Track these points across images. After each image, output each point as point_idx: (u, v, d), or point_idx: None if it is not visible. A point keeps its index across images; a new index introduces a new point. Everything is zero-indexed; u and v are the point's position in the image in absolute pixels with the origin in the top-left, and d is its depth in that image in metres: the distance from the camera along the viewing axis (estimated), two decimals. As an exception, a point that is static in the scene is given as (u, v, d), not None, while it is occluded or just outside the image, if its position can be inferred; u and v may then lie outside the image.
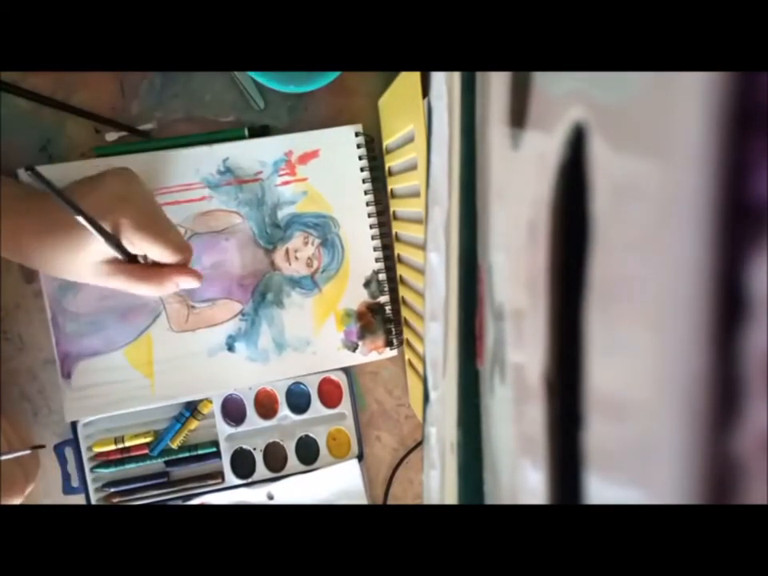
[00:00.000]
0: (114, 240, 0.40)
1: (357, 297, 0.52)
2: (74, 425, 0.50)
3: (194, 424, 0.51)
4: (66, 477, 0.51)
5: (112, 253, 0.41)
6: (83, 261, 0.41)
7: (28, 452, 0.45)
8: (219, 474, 0.52)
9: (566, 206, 0.17)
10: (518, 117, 0.20)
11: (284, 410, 0.53)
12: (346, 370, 0.53)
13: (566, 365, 0.16)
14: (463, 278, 0.27)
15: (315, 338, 0.52)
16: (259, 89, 0.50)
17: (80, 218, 0.37)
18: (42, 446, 0.48)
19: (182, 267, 0.44)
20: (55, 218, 0.40)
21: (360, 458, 0.53)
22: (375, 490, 0.55)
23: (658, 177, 0.12)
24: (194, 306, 0.50)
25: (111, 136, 0.49)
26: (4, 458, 0.42)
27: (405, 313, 0.52)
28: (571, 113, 0.16)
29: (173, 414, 0.51)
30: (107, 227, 0.40)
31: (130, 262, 0.43)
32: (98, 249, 0.40)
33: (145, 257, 0.43)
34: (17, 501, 0.44)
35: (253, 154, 0.49)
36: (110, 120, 0.48)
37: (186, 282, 0.44)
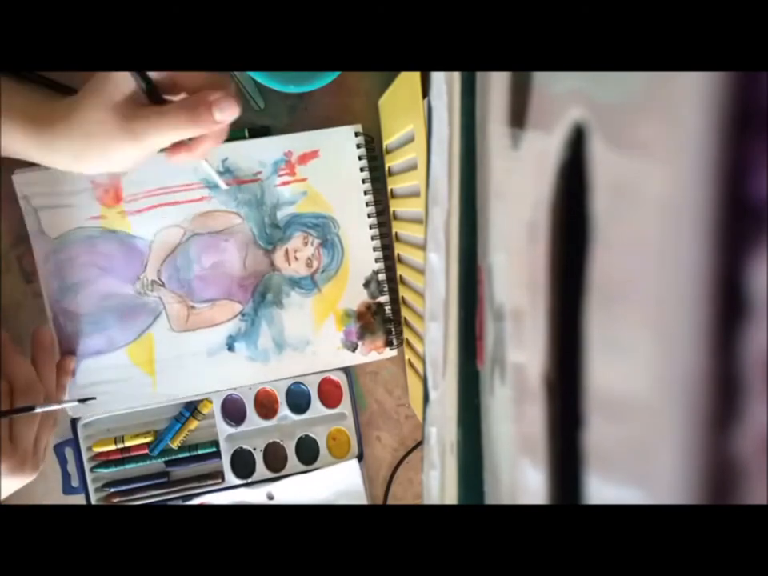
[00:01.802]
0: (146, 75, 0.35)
1: (356, 297, 0.52)
2: (73, 425, 0.50)
3: (193, 424, 0.51)
4: (66, 477, 0.51)
5: (132, 88, 0.36)
6: (105, 107, 0.35)
7: (75, 403, 0.45)
8: (219, 474, 0.52)
9: (566, 205, 0.17)
10: (518, 117, 0.20)
11: (284, 410, 0.53)
12: (346, 370, 0.53)
13: (566, 365, 0.16)
14: (463, 278, 0.27)
15: (315, 337, 0.52)
16: (259, 89, 0.50)
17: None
18: (93, 398, 0.47)
19: (218, 89, 0.36)
20: (73, 98, 0.37)
21: (360, 458, 0.53)
22: (375, 490, 0.55)
23: (657, 177, 0.12)
24: (194, 306, 0.50)
25: None
26: (42, 409, 0.42)
27: (405, 313, 0.52)
28: (571, 113, 0.16)
29: (173, 413, 0.51)
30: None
31: (153, 102, 0.37)
32: (116, 82, 0.35)
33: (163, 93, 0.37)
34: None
35: (252, 154, 0.49)
36: None
37: (224, 106, 0.36)
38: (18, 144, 0.37)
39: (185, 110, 0.35)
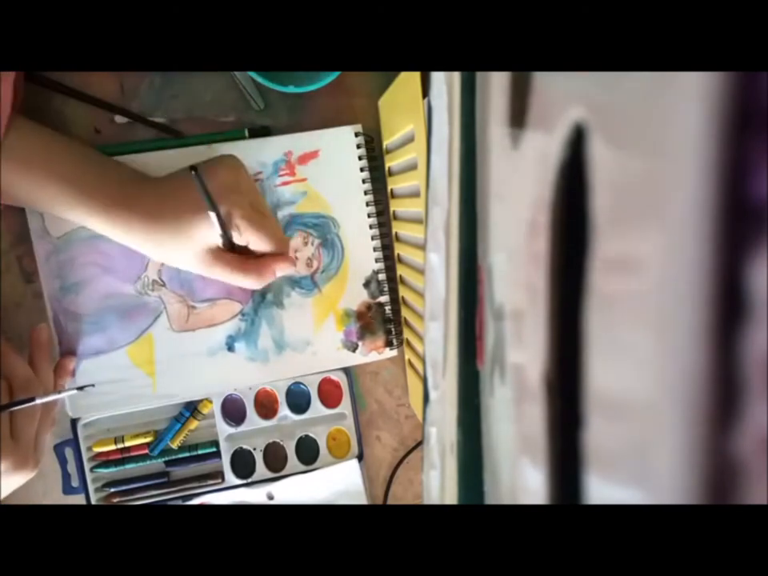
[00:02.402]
0: (225, 230, 0.41)
1: (357, 297, 0.52)
2: (73, 425, 0.50)
3: (193, 424, 0.51)
4: (65, 477, 0.51)
5: (215, 242, 0.42)
6: (189, 249, 0.42)
7: (74, 392, 0.46)
8: (219, 474, 0.52)
9: (566, 205, 0.17)
10: (518, 117, 0.20)
11: (284, 410, 0.53)
12: (346, 370, 0.53)
13: (566, 365, 0.16)
14: (463, 278, 0.27)
15: (315, 338, 0.52)
16: (259, 89, 0.50)
17: (211, 213, 0.39)
18: (92, 385, 0.48)
19: (281, 256, 0.45)
20: (165, 204, 0.42)
21: (360, 458, 0.53)
22: (375, 489, 0.55)
23: (658, 177, 0.12)
24: (195, 305, 0.50)
25: (120, 119, 0.49)
26: (43, 400, 0.42)
27: (405, 313, 0.52)
28: (571, 113, 0.16)
29: (173, 413, 0.51)
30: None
31: (231, 252, 0.44)
32: (202, 237, 0.42)
33: (244, 248, 0.44)
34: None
35: (252, 154, 0.49)
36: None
37: (284, 269, 0.45)
38: (89, 220, 0.43)
39: (254, 270, 0.44)
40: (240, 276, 0.44)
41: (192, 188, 0.41)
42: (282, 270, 0.45)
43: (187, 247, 0.42)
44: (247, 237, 0.43)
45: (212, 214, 0.39)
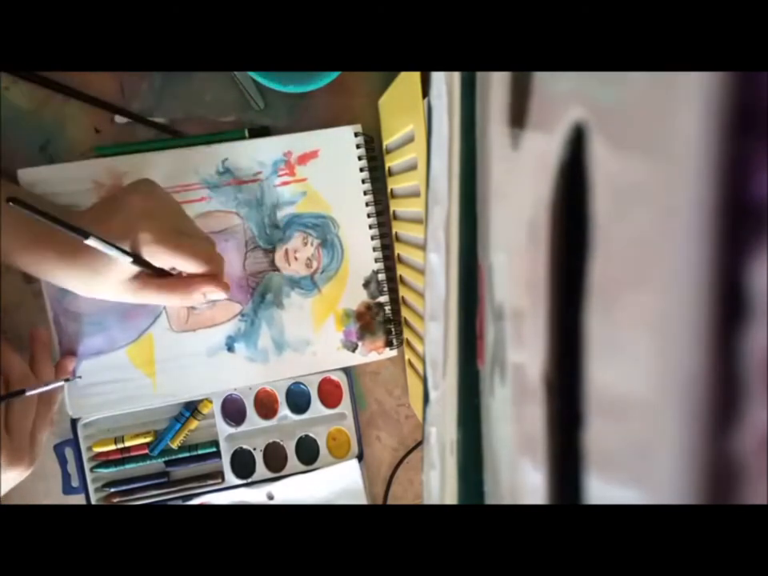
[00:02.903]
0: (134, 257, 0.40)
1: (356, 297, 0.52)
2: (73, 425, 0.50)
3: (193, 424, 0.51)
4: (66, 477, 0.51)
5: (136, 269, 0.41)
6: (110, 280, 0.41)
7: (61, 383, 0.46)
8: (219, 474, 0.52)
9: (566, 206, 0.17)
10: (518, 117, 0.20)
11: (284, 410, 0.53)
12: (346, 370, 0.53)
13: (566, 365, 0.16)
14: (463, 278, 0.27)
15: (315, 338, 0.52)
16: (259, 89, 0.50)
17: (91, 242, 0.37)
18: (79, 377, 0.48)
19: (209, 278, 0.44)
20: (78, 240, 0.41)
21: (360, 457, 0.53)
22: (375, 489, 0.55)
23: (658, 177, 0.12)
24: (194, 306, 0.50)
25: (120, 119, 0.49)
26: (33, 392, 0.43)
27: (405, 313, 0.52)
28: (571, 113, 0.16)
29: (173, 413, 0.51)
30: (128, 245, 0.40)
31: (158, 276, 0.43)
32: (123, 267, 0.41)
33: (174, 268, 0.43)
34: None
35: (252, 154, 0.49)
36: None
37: (213, 293, 0.44)
38: (42, 267, 0.42)
39: (182, 292, 0.43)
40: (167, 297, 0.43)
41: (108, 219, 0.40)
42: (210, 292, 0.44)
43: (109, 279, 0.41)
44: (166, 261, 0.42)
45: (91, 241, 0.37)
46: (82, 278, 0.41)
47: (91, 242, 0.37)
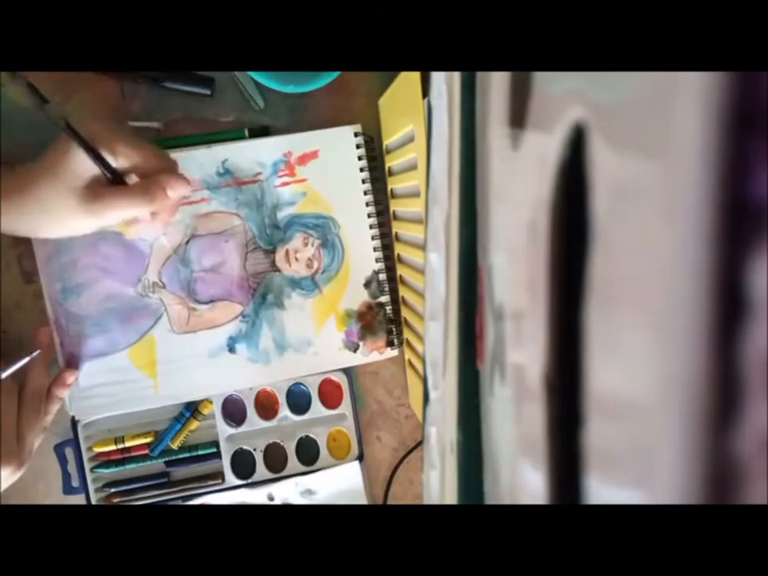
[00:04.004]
0: (95, 151, 0.39)
1: (357, 297, 0.52)
2: (74, 425, 0.50)
3: (194, 424, 0.51)
4: (66, 477, 0.51)
5: (93, 173, 0.40)
6: (61, 203, 0.39)
7: (36, 354, 0.45)
8: (219, 475, 0.52)
9: (566, 206, 0.17)
10: (518, 117, 0.20)
11: (284, 411, 0.53)
12: (346, 371, 0.53)
13: (566, 365, 0.16)
14: (463, 278, 0.27)
15: (316, 338, 0.52)
16: (259, 89, 0.50)
17: (65, 128, 0.37)
18: (37, 351, 0.47)
19: (166, 171, 0.41)
20: (35, 166, 0.40)
21: (360, 458, 0.53)
22: (375, 490, 0.55)
23: (658, 177, 0.12)
24: (195, 307, 0.50)
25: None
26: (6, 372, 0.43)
27: (405, 313, 0.52)
28: (571, 113, 0.16)
29: (173, 414, 0.51)
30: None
31: (113, 183, 0.41)
32: (77, 173, 0.39)
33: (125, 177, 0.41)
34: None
35: (252, 155, 0.49)
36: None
37: (175, 185, 0.41)
38: None
39: (141, 191, 0.40)
40: (126, 201, 0.40)
41: (57, 143, 0.39)
42: (173, 186, 0.41)
43: (60, 202, 0.39)
44: (126, 155, 0.40)
45: (65, 129, 0.37)
46: (32, 212, 0.40)
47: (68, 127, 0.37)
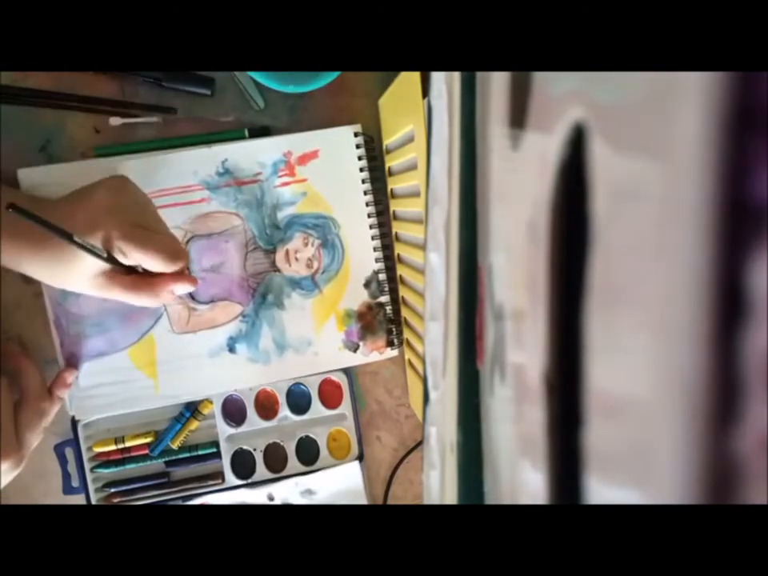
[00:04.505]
0: (103, 255, 0.40)
1: (357, 297, 0.52)
2: (74, 425, 0.50)
3: (194, 424, 0.51)
4: (66, 477, 0.51)
5: (103, 266, 0.41)
6: (79, 274, 0.41)
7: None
8: (219, 475, 0.52)
9: (566, 206, 0.17)
10: (518, 117, 0.20)
11: (284, 411, 0.53)
12: (346, 372, 0.53)
13: (566, 365, 0.16)
14: (463, 278, 0.27)
15: (316, 338, 0.52)
16: (259, 89, 0.50)
17: (75, 243, 0.37)
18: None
19: (176, 275, 0.43)
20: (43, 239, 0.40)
21: (360, 459, 0.53)
22: (375, 489, 0.55)
23: (658, 177, 0.12)
24: (195, 307, 0.50)
25: (116, 121, 0.49)
26: None
27: (405, 313, 0.52)
28: (571, 113, 0.16)
29: (173, 414, 0.51)
30: (97, 240, 0.39)
31: (126, 273, 0.43)
32: (92, 262, 0.40)
33: (141, 266, 0.43)
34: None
35: (252, 155, 0.49)
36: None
37: (181, 288, 0.44)
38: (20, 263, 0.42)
39: (150, 292, 0.42)
40: (134, 297, 0.42)
41: (74, 214, 0.40)
42: (179, 289, 0.43)
43: (79, 272, 0.41)
44: (133, 257, 0.41)
45: (75, 241, 0.37)
46: (51, 268, 0.41)
47: (75, 243, 0.37)
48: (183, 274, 0.44)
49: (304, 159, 0.50)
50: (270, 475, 0.52)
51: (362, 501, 0.53)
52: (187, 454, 0.52)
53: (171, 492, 0.52)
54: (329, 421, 0.53)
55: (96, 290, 0.42)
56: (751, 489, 0.10)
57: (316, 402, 0.53)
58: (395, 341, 0.53)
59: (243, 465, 0.52)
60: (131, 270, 0.43)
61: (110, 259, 0.40)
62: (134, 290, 0.42)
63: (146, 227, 0.42)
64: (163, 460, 0.51)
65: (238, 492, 0.52)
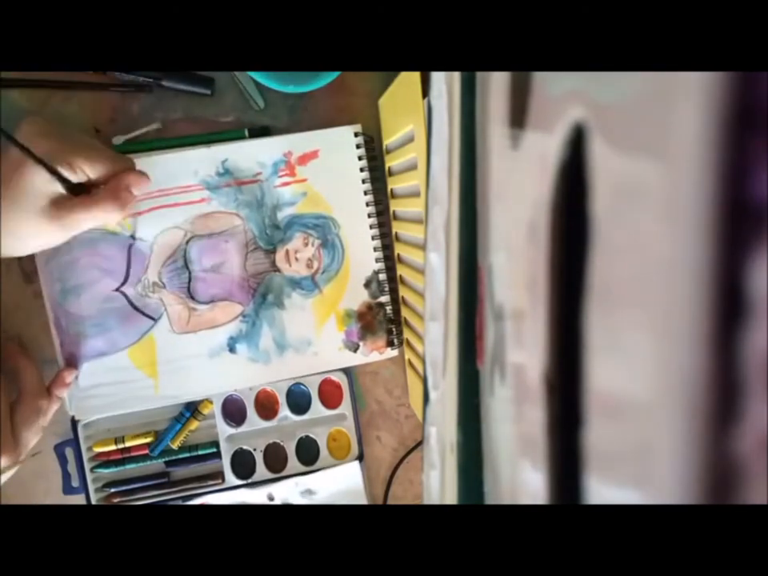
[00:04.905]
0: (51, 168, 0.38)
1: (357, 297, 0.52)
2: (74, 425, 0.50)
3: (194, 424, 0.51)
4: (66, 477, 0.51)
5: (53, 190, 0.40)
6: (30, 210, 0.39)
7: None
8: (219, 475, 0.52)
9: (566, 206, 0.17)
10: (518, 117, 0.20)
11: (284, 411, 0.53)
12: (346, 371, 0.53)
13: (566, 365, 0.16)
14: (463, 278, 0.27)
15: (316, 338, 0.52)
16: (259, 89, 0.50)
17: (14, 147, 0.36)
18: None
19: (125, 172, 0.42)
20: None
21: (360, 459, 0.53)
22: (375, 489, 0.55)
23: (658, 177, 0.12)
24: (195, 307, 0.50)
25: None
26: None
27: (405, 313, 0.52)
28: (571, 113, 0.16)
29: (173, 414, 0.51)
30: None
31: (76, 194, 0.41)
32: (38, 190, 0.39)
33: (87, 186, 0.42)
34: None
35: (252, 155, 0.49)
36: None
37: (137, 181, 0.42)
38: None
39: (109, 196, 0.41)
40: (96, 210, 0.41)
41: (9, 158, 0.39)
42: (136, 184, 0.42)
43: (28, 209, 0.39)
44: (81, 165, 0.40)
45: (15, 148, 0.36)
46: (5, 236, 0.40)
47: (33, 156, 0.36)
48: (133, 169, 0.43)
49: (304, 159, 0.50)
50: (270, 475, 0.52)
51: (362, 501, 0.53)
52: (187, 454, 0.52)
53: (171, 492, 0.52)
54: (329, 421, 0.53)
55: (54, 226, 0.40)
56: (751, 489, 0.10)
57: (316, 402, 0.53)
58: (395, 341, 0.53)
59: (243, 465, 0.52)
60: (77, 189, 0.41)
61: (56, 173, 0.39)
62: (92, 204, 0.41)
63: (81, 139, 0.42)
64: (163, 460, 0.51)
65: (237, 492, 0.52)
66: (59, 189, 0.40)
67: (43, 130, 0.41)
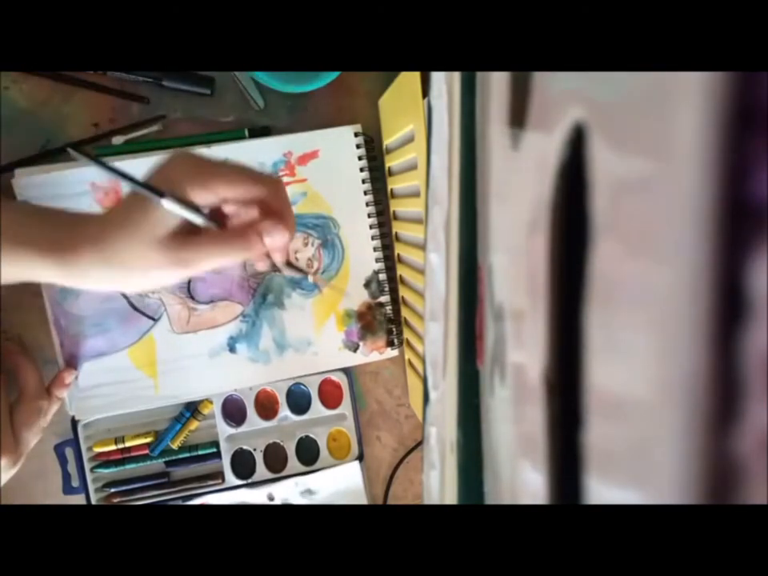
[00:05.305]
0: (183, 201, 0.32)
1: (357, 297, 0.52)
2: (74, 425, 0.50)
3: (194, 424, 0.51)
4: (66, 477, 0.51)
5: (174, 221, 0.33)
6: (147, 241, 0.33)
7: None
8: (219, 475, 0.52)
9: (566, 205, 0.17)
10: (518, 117, 0.20)
11: (284, 411, 0.53)
12: (346, 372, 0.53)
13: (566, 365, 0.16)
14: (463, 278, 0.27)
15: (316, 338, 0.52)
16: (259, 89, 0.50)
17: (166, 202, 0.31)
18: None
19: (266, 217, 0.34)
20: (109, 218, 0.34)
21: (360, 459, 0.53)
22: (375, 489, 0.55)
23: (657, 177, 0.12)
24: (195, 307, 0.50)
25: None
26: None
27: (405, 313, 0.52)
28: (571, 113, 0.16)
29: (173, 414, 0.51)
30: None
31: (196, 233, 0.34)
32: (157, 223, 0.33)
33: (219, 219, 0.35)
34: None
35: (252, 154, 0.49)
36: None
37: (273, 231, 0.34)
38: (38, 271, 0.35)
39: (235, 239, 0.34)
40: (221, 253, 0.34)
41: (134, 196, 0.33)
42: (271, 234, 0.34)
43: (146, 241, 0.33)
44: (214, 189, 0.33)
45: (166, 202, 0.31)
46: (111, 266, 0.34)
47: (166, 202, 0.31)
48: (276, 213, 0.34)
49: (304, 159, 0.50)
50: (270, 475, 0.52)
51: (362, 501, 0.53)
52: (187, 454, 0.52)
53: (171, 492, 0.52)
54: (329, 421, 0.53)
55: (172, 261, 0.33)
56: (751, 489, 0.10)
57: (316, 402, 0.53)
58: (395, 341, 0.53)
59: (243, 465, 0.52)
60: (213, 219, 0.34)
61: (187, 203, 0.32)
62: (216, 242, 0.34)
63: (212, 162, 0.34)
64: (163, 460, 0.51)
65: (237, 492, 0.52)
66: (180, 220, 0.33)
67: (168, 158, 0.33)
